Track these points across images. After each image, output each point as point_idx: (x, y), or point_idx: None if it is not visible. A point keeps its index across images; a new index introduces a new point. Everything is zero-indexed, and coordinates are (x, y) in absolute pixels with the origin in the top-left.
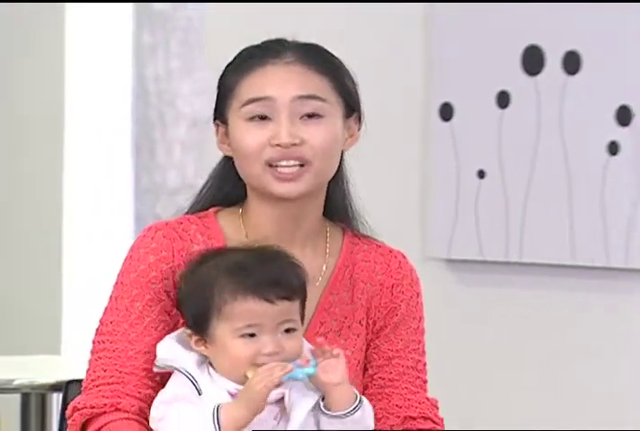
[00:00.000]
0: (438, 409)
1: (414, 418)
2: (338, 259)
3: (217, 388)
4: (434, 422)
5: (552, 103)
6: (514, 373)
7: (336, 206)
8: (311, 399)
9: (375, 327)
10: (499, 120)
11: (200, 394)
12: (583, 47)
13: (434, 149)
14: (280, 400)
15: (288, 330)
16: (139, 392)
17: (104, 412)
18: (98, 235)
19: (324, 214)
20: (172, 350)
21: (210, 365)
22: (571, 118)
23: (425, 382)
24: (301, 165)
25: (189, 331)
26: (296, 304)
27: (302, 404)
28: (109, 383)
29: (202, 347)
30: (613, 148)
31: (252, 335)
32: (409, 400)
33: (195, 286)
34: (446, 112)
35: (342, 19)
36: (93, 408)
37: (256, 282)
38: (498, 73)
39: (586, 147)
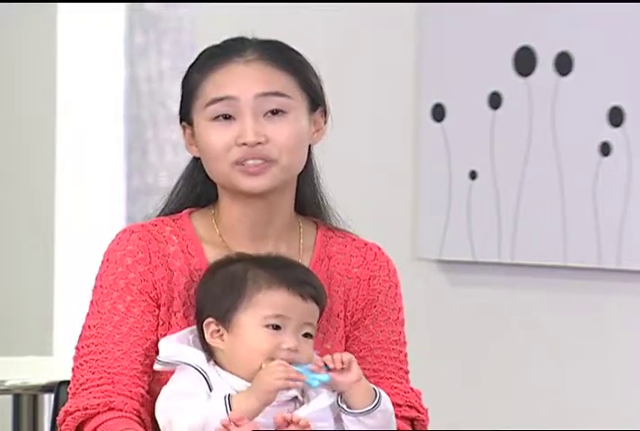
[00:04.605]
0: (421, 399)
1: (400, 406)
2: (312, 253)
3: (225, 385)
4: (419, 411)
5: (544, 104)
6: (506, 373)
7: (308, 201)
8: (327, 396)
9: (353, 319)
10: (491, 121)
11: (210, 390)
12: (575, 48)
13: (426, 150)
14: (294, 399)
15: (306, 335)
16: (130, 391)
17: (98, 412)
18: (90, 236)
19: (296, 210)
20: (178, 347)
21: (216, 363)
22: (563, 119)
23: (407, 372)
24: (266, 161)
25: (209, 320)
26: (318, 312)
27: (318, 401)
28: (98, 385)
29: (218, 340)
30: (605, 149)
31: (276, 328)
32: (395, 388)
33: (225, 277)
34: (438, 113)
35: (334, 19)
36: (87, 409)
37: (292, 277)
38: (490, 74)
39: (578, 148)
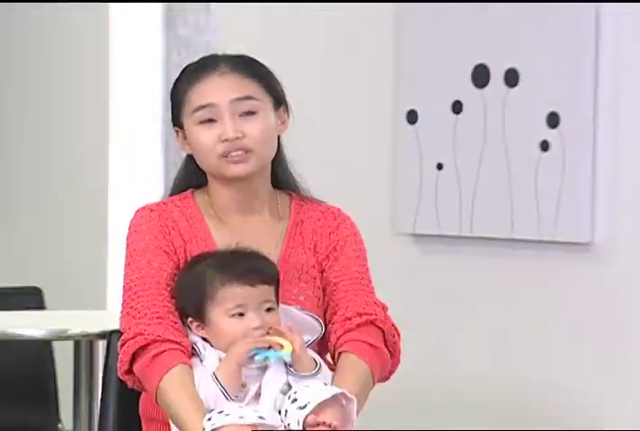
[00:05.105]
0: (385, 309)
1: (369, 314)
2: (289, 219)
3: (214, 356)
4: (376, 314)
5: (496, 110)
6: (463, 321)
7: (282, 179)
8: (281, 379)
9: (322, 266)
10: (454, 124)
11: (201, 361)
12: (521, 65)
13: (402, 147)
14: (261, 368)
15: (268, 310)
16: (180, 331)
17: (155, 340)
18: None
19: (275, 187)
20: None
21: (207, 342)
22: (511, 122)
23: (372, 292)
24: (246, 152)
25: (190, 319)
26: (272, 289)
27: (274, 381)
28: (157, 317)
29: (202, 332)
30: (544, 146)
31: (240, 314)
32: (366, 301)
33: (191, 281)
34: (411, 117)
35: (329, 24)
36: (146, 335)
37: (239, 272)
38: (453, 86)
39: (523, 145)
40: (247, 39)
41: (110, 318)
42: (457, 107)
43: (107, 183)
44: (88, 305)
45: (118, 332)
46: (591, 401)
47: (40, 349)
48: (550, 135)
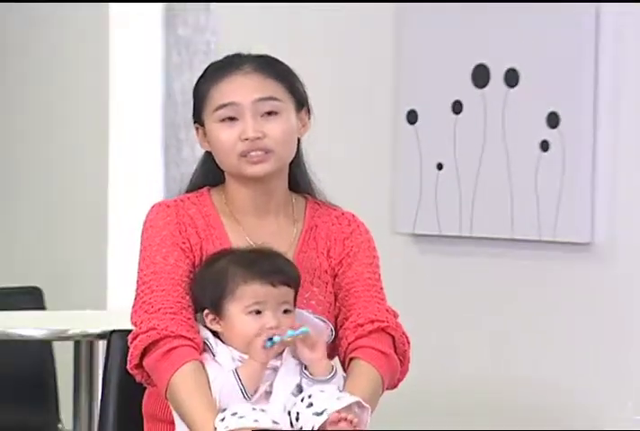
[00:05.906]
0: (396, 317)
1: (381, 321)
2: (303, 223)
3: (226, 352)
4: (388, 321)
5: (496, 110)
6: (463, 321)
7: (299, 181)
8: (294, 380)
9: (334, 271)
10: (454, 124)
11: (214, 356)
12: (521, 65)
13: (402, 146)
14: (273, 367)
15: (285, 311)
16: (193, 327)
17: (168, 336)
18: (136, 209)
19: (291, 189)
20: None
21: (219, 338)
22: (511, 122)
23: (383, 299)
24: (266, 152)
25: (206, 311)
26: (292, 291)
27: (286, 383)
28: (169, 313)
29: (217, 326)
30: (544, 146)
31: (258, 312)
32: (378, 308)
33: (212, 275)
34: (412, 117)
35: (328, 28)
36: (158, 330)
37: (262, 270)
38: (453, 86)
39: (523, 145)
40: (247, 39)
41: (110, 318)
42: (457, 107)
43: (107, 183)
44: (88, 305)
45: (118, 332)
46: (591, 401)
47: (40, 349)
48: (550, 135)
